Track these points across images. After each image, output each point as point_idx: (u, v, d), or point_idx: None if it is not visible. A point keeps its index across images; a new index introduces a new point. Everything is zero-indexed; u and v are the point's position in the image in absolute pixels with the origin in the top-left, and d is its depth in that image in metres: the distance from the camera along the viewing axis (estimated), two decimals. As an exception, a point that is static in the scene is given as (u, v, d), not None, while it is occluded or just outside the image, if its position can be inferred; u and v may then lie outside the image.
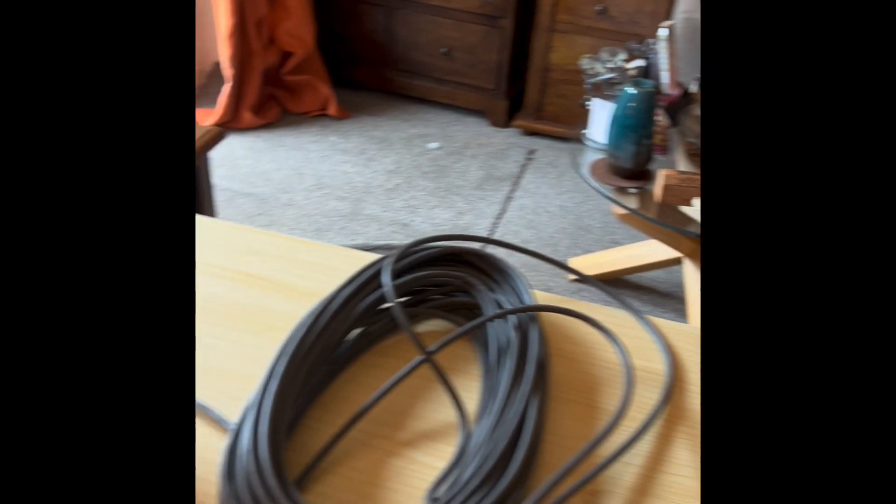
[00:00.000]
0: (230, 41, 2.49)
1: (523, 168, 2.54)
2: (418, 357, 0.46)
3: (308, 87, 2.76)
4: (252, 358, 0.51)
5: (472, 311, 0.54)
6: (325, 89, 2.76)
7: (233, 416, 0.46)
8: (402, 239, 2.14)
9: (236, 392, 0.48)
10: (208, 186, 1.43)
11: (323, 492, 0.42)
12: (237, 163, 2.46)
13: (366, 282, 0.51)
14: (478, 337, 0.51)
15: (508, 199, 2.36)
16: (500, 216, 2.27)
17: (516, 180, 2.47)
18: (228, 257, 0.60)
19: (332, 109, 2.76)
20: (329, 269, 0.60)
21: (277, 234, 0.64)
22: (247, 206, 2.25)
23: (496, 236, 2.17)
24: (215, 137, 1.42)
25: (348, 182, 2.40)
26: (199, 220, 0.64)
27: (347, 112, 2.81)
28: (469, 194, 2.37)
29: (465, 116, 2.85)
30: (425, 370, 0.50)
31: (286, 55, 2.73)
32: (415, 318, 0.54)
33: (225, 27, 2.47)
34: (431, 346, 0.46)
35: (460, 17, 2.65)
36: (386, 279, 0.49)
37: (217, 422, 0.46)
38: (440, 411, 0.47)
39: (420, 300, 0.53)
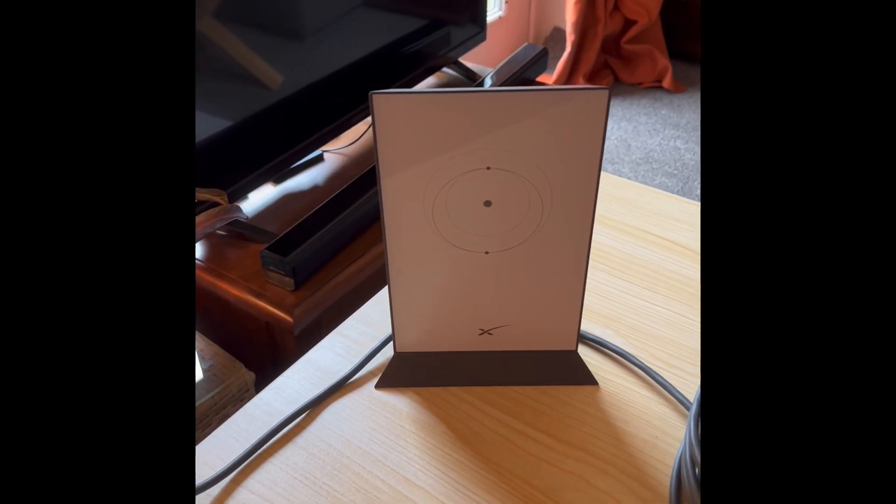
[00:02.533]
0: (576, 7, 2.50)
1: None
2: None
3: (645, 58, 2.69)
4: (679, 324, 0.49)
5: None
6: (662, 60, 2.66)
7: (669, 376, 0.45)
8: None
9: (666, 357, 0.47)
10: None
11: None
12: (566, 129, 2.48)
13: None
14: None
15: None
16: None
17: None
18: (653, 223, 0.59)
19: (666, 82, 2.65)
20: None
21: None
22: (573, 172, 2.26)
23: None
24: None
25: (679, 159, 2.30)
26: (621, 182, 0.64)
27: (682, 86, 2.68)
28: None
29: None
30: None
31: (628, 23, 2.67)
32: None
33: (574, -7, 2.48)
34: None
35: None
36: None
37: (664, 386, 0.45)
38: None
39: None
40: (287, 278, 0.92)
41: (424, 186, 0.39)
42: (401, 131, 0.36)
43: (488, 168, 0.38)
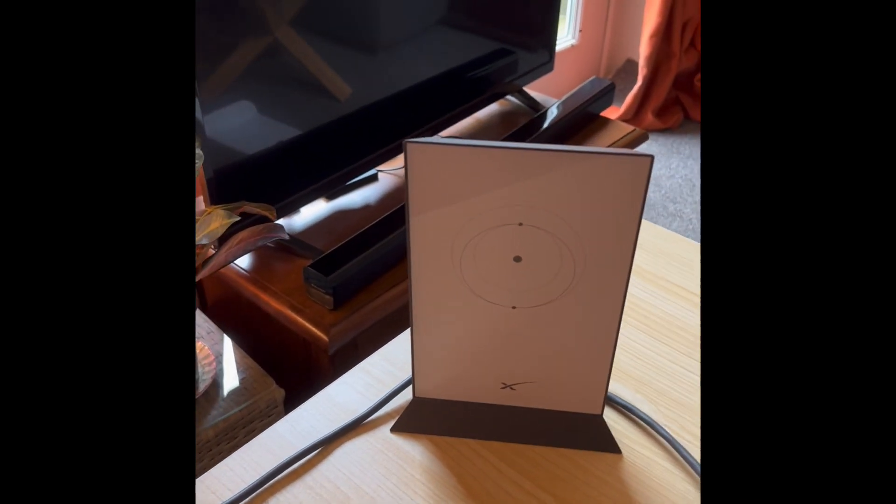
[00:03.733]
0: (651, 41, 2.46)
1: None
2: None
3: (718, 97, 2.63)
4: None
5: None
6: (736, 101, 2.59)
7: (697, 452, 0.42)
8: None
9: (697, 430, 0.44)
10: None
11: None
12: (630, 163, 2.44)
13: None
14: None
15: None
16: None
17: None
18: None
19: (738, 123, 2.59)
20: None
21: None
22: (632, 207, 2.22)
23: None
24: (638, 139, 1.40)
25: (744, 203, 2.23)
26: (670, 236, 0.61)
27: (755, 128, 2.61)
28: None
29: None
30: None
31: (703, 61, 2.62)
32: None
33: (650, 26, 2.45)
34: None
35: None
36: None
37: (689, 463, 0.42)
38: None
39: None
40: (327, 297, 0.92)
41: (454, 237, 0.38)
42: (433, 181, 0.36)
43: (520, 224, 0.37)
